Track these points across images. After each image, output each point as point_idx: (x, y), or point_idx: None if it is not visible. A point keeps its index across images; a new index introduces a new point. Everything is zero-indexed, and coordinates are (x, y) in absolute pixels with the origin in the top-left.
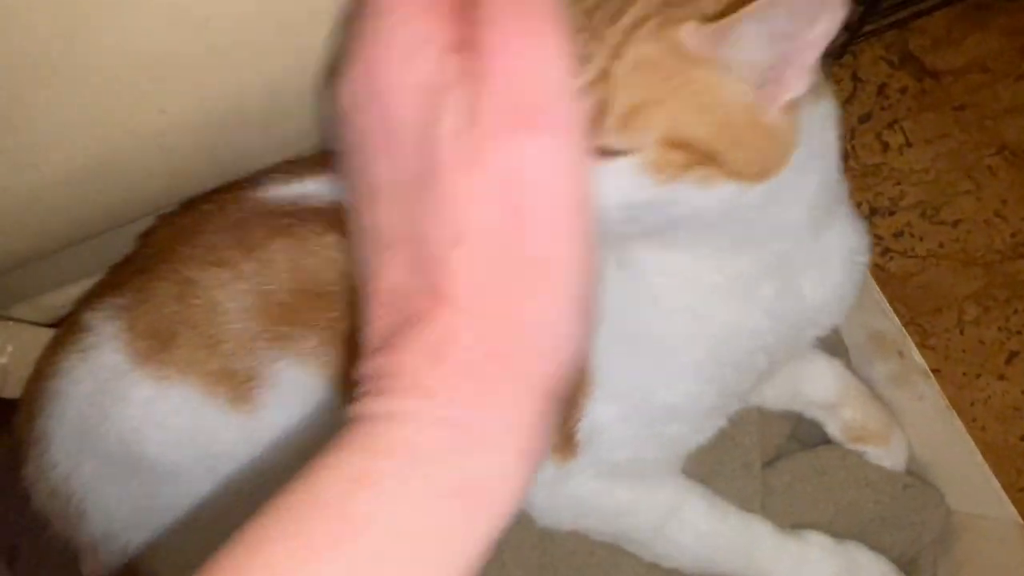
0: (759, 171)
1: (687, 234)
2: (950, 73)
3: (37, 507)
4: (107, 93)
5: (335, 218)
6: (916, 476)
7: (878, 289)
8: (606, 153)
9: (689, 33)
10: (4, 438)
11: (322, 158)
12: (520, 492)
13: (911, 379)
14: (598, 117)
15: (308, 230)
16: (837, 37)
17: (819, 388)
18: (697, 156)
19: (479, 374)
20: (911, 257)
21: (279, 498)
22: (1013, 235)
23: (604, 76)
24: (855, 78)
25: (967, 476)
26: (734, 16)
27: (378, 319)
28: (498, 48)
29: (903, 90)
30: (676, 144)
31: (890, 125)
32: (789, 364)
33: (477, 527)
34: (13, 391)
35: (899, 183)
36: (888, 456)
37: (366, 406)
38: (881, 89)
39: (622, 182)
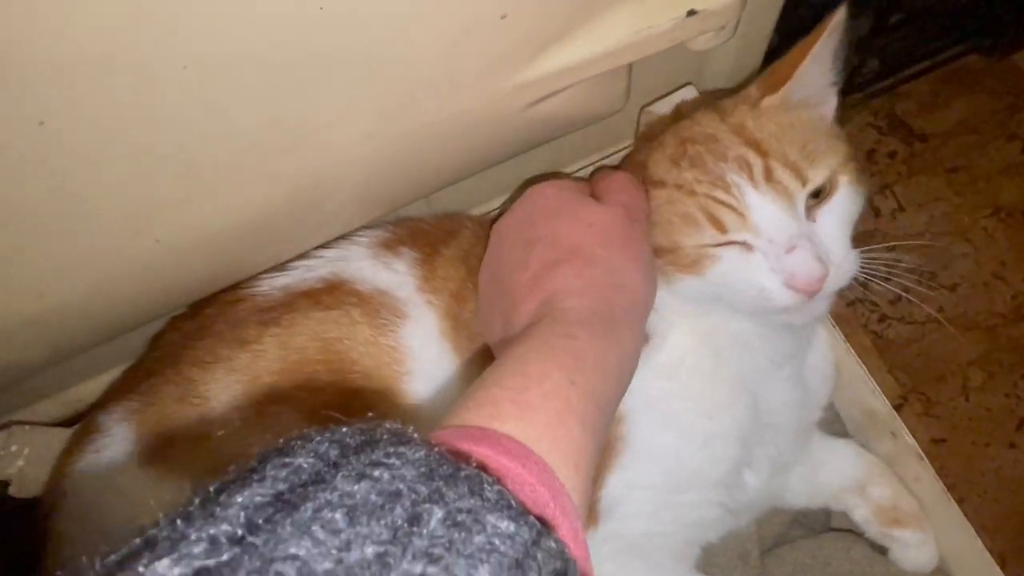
0: None
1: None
2: (939, 136)
3: None
4: (101, 233)
5: (320, 296)
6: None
7: (865, 368)
8: None
9: None
10: (23, 537)
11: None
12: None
13: (906, 460)
14: None
15: (295, 313)
16: None
17: (842, 470)
18: None
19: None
20: (910, 323)
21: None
22: (1014, 297)
23: None
24: None
25: (969, 562)
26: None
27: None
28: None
29: (892, 155)
30: None
31: (881, 191)
32: (801, 456)
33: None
34: (31, 491)
35: (893, 249)
36: (925, 543)
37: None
38: (870, 155)
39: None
